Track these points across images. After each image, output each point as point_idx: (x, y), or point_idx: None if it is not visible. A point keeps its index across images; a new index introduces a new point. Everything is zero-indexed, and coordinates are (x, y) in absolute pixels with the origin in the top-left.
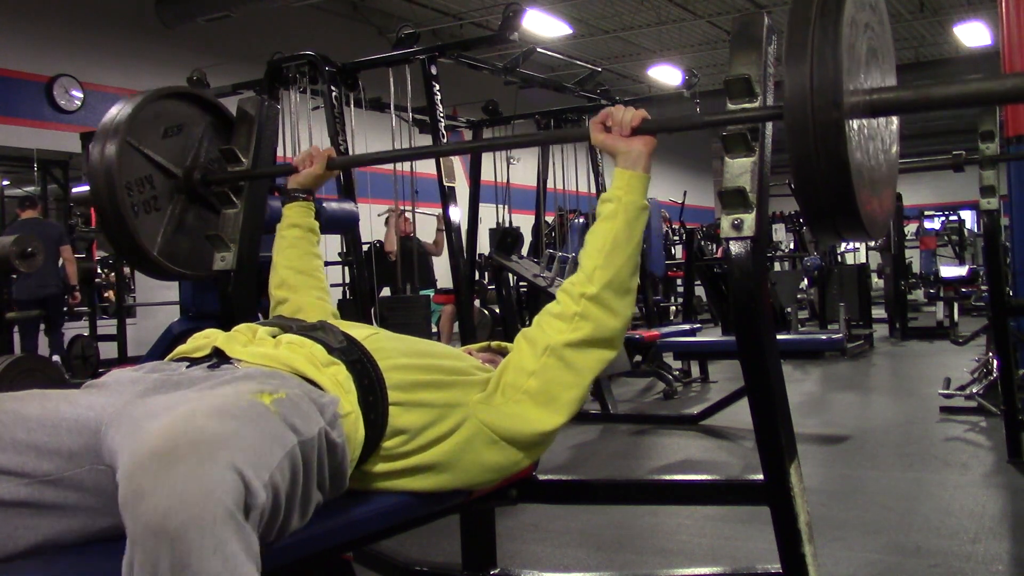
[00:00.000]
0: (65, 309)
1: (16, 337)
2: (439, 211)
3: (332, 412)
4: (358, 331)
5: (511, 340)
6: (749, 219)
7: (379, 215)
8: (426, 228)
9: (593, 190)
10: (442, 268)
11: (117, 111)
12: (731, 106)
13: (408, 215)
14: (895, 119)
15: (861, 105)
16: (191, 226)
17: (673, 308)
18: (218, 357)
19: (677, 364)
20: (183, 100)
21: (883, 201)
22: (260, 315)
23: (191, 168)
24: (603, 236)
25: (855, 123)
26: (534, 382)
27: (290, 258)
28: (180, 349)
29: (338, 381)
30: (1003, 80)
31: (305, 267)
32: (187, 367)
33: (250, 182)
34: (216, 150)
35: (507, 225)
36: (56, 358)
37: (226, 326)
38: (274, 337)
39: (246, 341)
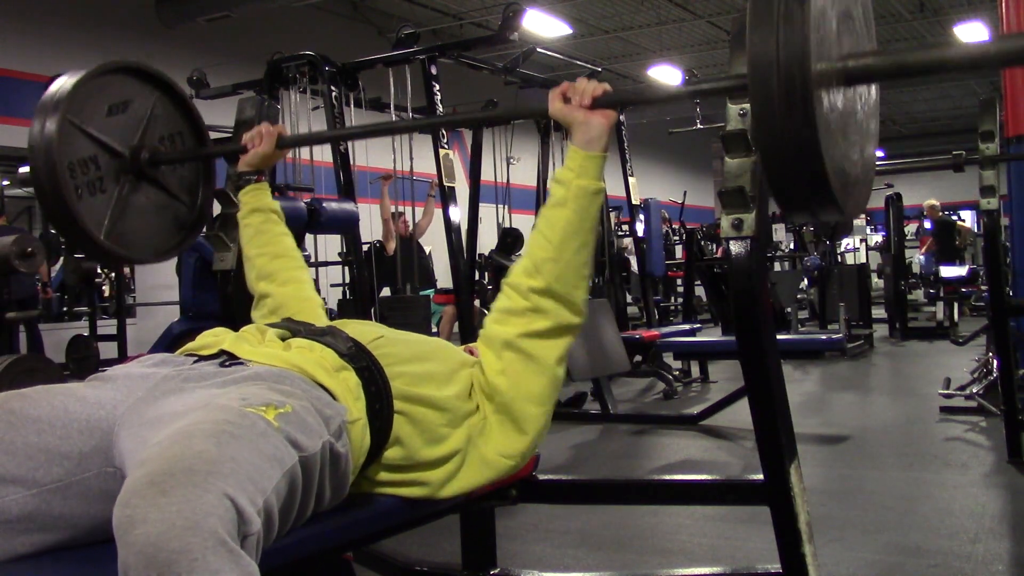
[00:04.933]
0: (65, 309)
1: (23, 337)
2: (432, 181)
3: (338, 423)
4: (364, 333)
5: None
6: (749, 219)
7: (371, 181)
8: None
9: None
10: (442, 268)
11: (57, 87)
12: (731, 106)
13: (407, 217)
14: (873, 91)
15: (833, 73)
16: (140, 208)
17: (673, 308)
18: (227, 356)
19: (677, 364)
20: (129, 75)
21: (859, 173)
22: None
23: (139, 147)
24: (551, 225)
25: (827, 94)
26: (505, 380)
27: (261, 245)
28: (188, 346)
29: (348, 387)
30: (988, 45)
31: (279, 250)
32: (195, 362)
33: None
34: (166, 127)
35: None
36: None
37: (227, 326)
38: (283, 340)
39: (255, 342)
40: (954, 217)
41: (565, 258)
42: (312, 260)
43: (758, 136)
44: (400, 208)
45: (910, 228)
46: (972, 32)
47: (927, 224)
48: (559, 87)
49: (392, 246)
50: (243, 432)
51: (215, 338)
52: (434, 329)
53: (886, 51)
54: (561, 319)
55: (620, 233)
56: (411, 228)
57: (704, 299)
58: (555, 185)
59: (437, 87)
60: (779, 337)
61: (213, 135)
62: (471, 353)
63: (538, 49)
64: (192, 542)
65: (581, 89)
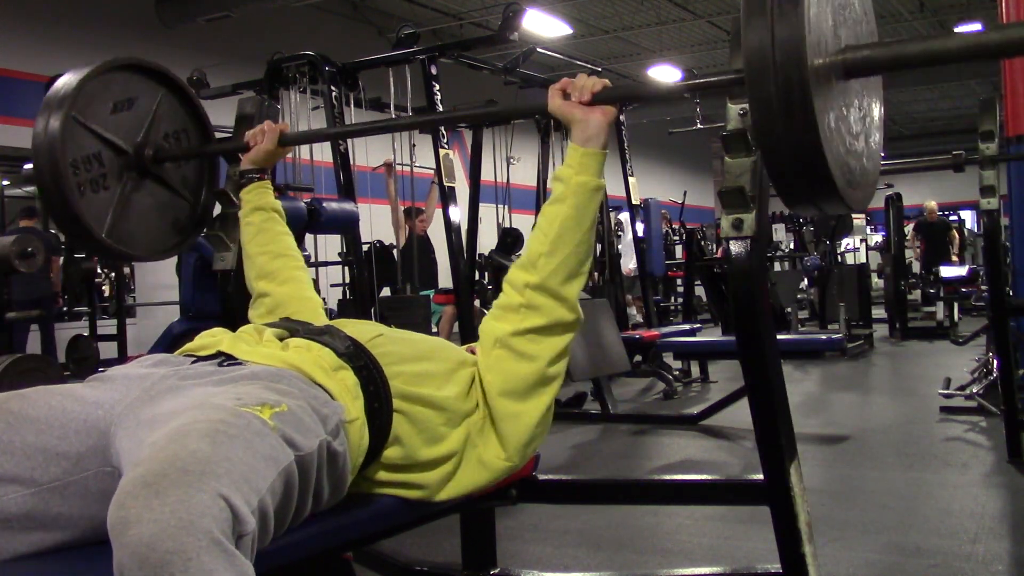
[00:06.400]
0: (65, 309)
1: (31, 337)
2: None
3: (335, 422)
4: (362, 333)
5: None
6: (749, 219)
7: (373, 170)
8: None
9: None
10: (442, 268)
11: (63, 84)
12: (731, 105)
13: (424, 217)
14: (877, 82)
15: (831, 67)
16: (143, 205)
17: (673, 308)
18: (225, 357)
19: (677, 364)
20: (135, 72)
21: (865, 166)
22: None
23: (142, 144)
24: (550, 220)
25: (826, 88)
26: (491, 377)
27: (263, 243)
28: (187, 347)
29: (346, 386)
30: (989, 34)
31: (280, 249)
32: (193, 363)
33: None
34: (170, 124)
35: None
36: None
37: (227, 326)
38: (281, 340)
39: (253, 342)
40: (952, 218)
41: (561, 253)
42: (312, 260)
43: (758, 136)
44: (419, 207)
45: (910, 228)
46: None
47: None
48: (559, 83)
49: (403, 237)
50: (238, 431)
51: (213, 339)
52: (434, 329)
53: (884, 42)
54: (555, 315)
55: (620, 233)
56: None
57: (704, 299)
58: (555, 182)
59: (437, 87)
60: (779, 337)
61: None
62: (472, 353)
63: (538, 49)
64: (186, 542)
65: (580, 85)
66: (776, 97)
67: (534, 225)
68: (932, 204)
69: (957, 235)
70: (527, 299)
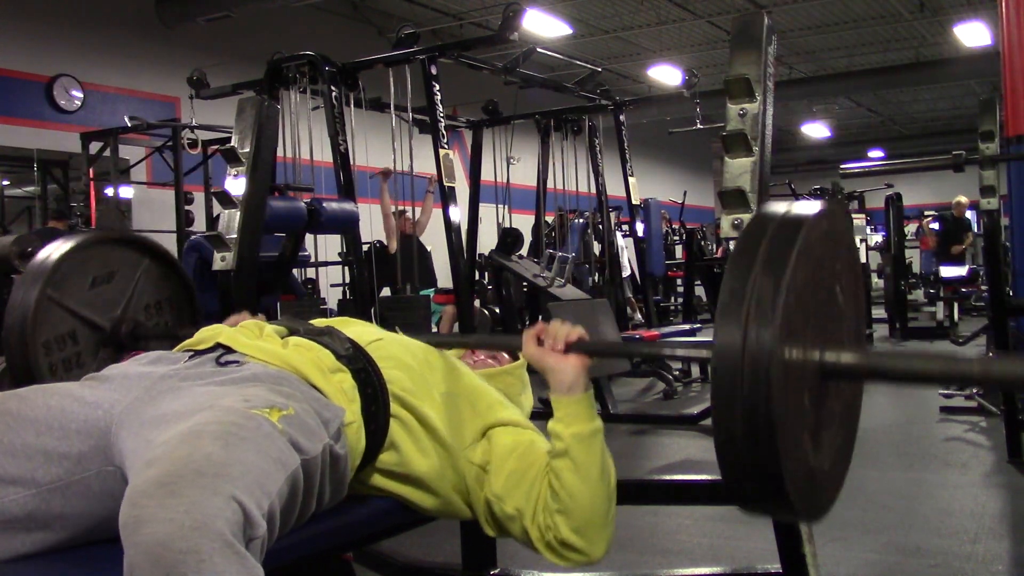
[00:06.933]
0: None
1: None
2: (431, 177)
3: (337, 426)
4: (362, 335)
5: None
6: (749, 219)
7: (370, 177)
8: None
9: (593, 190)
10: (442, 268)
11: (41, 260)
12: (731, 106)
13: (409, 214)
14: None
15: (808, 369)
16: None
17: (673, 308)
18: (223, 349)
19: (677, 364)
20: (116, 245)
21: (831, 477)
22: (261, 315)
23: (120, 320)
24: (557, 475)
25: (801, 392)
26: (498, 510)
27: None
28: (186, 342)
29: (343, 390)
30: (972, 365)
31: None
32: (190, 358)
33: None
34: (154, 294)
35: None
36: None
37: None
38: (282, 337)
39: (253, 336)
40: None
41: (580, 508)
42: (312, 260)
43: (719, 456)
44: (401, 207)
45: (910, 228)
46: (972, 32)
47: (934, 224)
48: (533, 329)
49: (394, 244)
50: (249, 434)
51: (212, 332)
52: (434, 329)
53: (868, 354)
54: (577, 563)
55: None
56: (412, 227)
57: (704, 299)
58: (552, 437)
59: (437, 87)
60: None
61: (213, 135)
62: (471, 354)
63: (538, 49)
64: (200, 543)
65: (554, 333)
66: (741, 431)
67: (533, 228)
68: (964, 199)
69: (970, 237)
70: (549, 540)
